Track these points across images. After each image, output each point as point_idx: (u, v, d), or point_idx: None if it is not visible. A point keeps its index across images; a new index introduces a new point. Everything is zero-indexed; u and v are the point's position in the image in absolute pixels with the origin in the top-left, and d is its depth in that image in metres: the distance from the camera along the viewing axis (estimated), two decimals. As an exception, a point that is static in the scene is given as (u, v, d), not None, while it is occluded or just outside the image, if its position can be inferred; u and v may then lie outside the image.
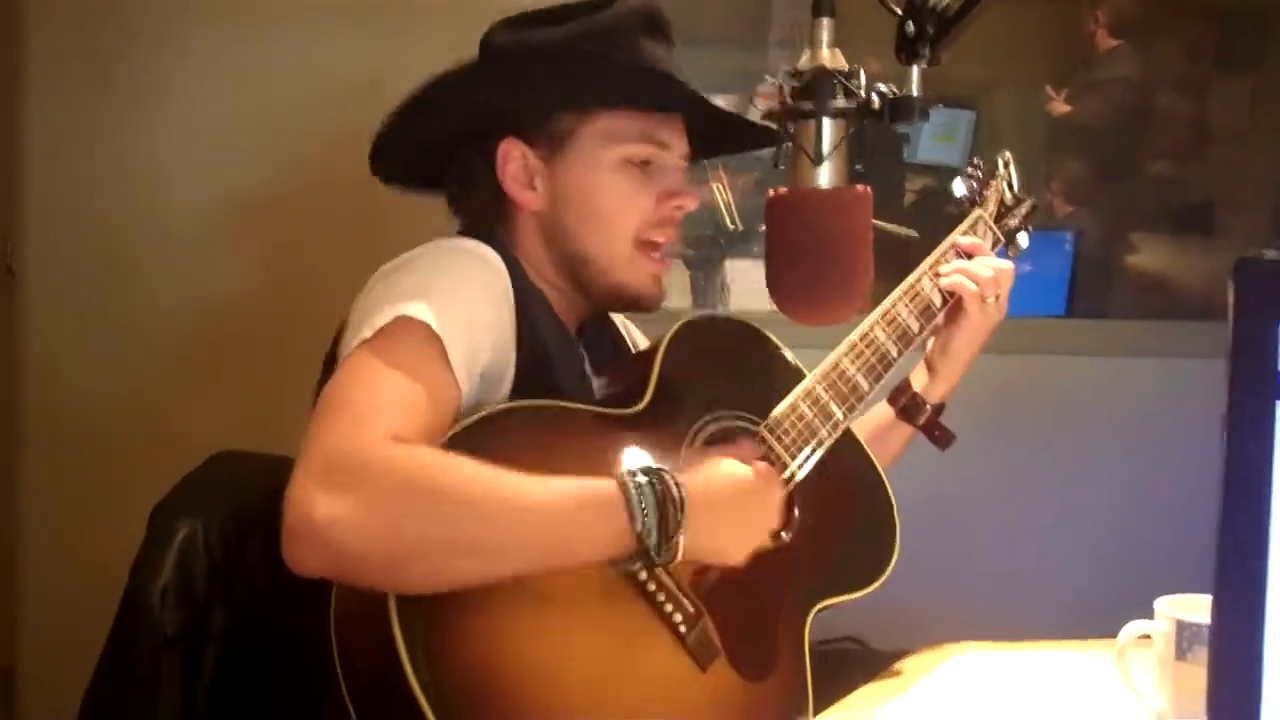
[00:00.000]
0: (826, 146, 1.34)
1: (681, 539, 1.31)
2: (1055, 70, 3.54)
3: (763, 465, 1.47)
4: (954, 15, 1.29)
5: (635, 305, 1.62)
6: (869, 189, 1.38)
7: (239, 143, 2.71)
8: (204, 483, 1.58)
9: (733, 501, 1.40)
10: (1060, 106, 3.51)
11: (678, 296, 3.13)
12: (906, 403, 1.77)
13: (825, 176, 1.36)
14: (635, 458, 1.43)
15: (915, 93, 1.32)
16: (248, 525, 1.49)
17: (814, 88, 1.34)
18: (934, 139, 3.66)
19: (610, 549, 1.30)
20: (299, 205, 2.69)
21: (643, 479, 1.30)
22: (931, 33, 1.30)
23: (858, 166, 1.39)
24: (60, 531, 2.62)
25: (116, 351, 2.70)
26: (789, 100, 1.35)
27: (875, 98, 1.33)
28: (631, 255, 1.57)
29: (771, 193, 1.38)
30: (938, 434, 1.78)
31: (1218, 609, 0.66)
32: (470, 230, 1.58)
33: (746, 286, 3.17)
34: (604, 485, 1.30)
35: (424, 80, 1.55)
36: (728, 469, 1.42)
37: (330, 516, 1.19)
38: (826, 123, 1.35)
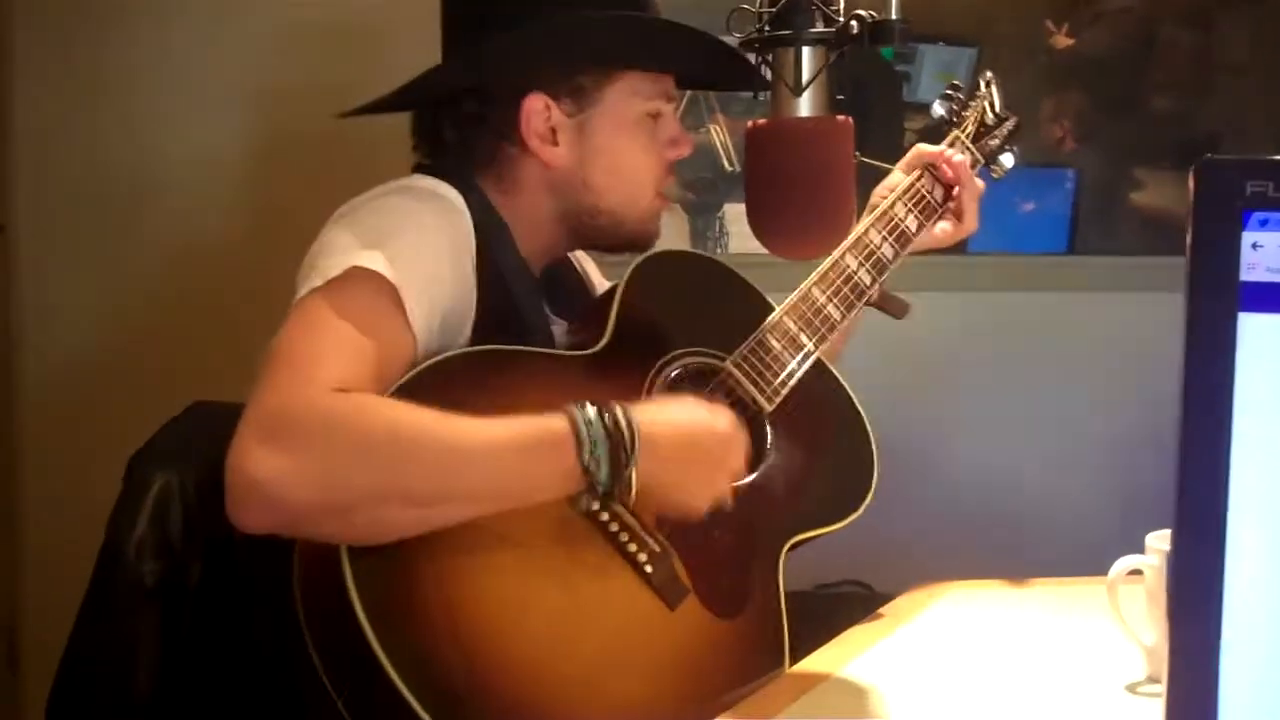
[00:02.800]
0: (806, 75, 1.31)
1: (634, 473, 1.27)
2: (1056, 4, 3.47)
3: (725, 409, 1.42)
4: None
5: (639, 247, 1.59)
6: (850, 119, 1.34)
7: (228, 94, 2.68)
8: (182, 433, 1.55)
9: (688, 440, 1.35)
10: (1062, 40, 3.45)
11: (677, 241, 3.09)
12: None
13: (805, 106, 1.32)
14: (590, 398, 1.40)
15: (894, 15, 1.28)
16: (223, 476, 1.47)
17: (791, 14, 1.30)
18: (935, 77, 3.61)
19: (560, 486, 1.26)
20: (287, 156, 2.66)
21: (591, 411, 1.27)
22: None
23: (839, 97, 1.35)
24: (59, 485, 2.61)
25: (108, 302, 2.69)
26: (766, 28, 1.31)
27: (854, 23, 1.28)
28: (647, 198, 1.56)
29: (750, 124, 1.34)
30: (889, 304, 1.72)
31: (1177, 540, 0.62)
32: (436, 168, 1.53)
33: (745, 230, 3.13)
34: (550, 421, 1.26)
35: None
36: (683, 409, 1.38)
37: (268, 473, 1.18)
38: (806, 51, 1.31)
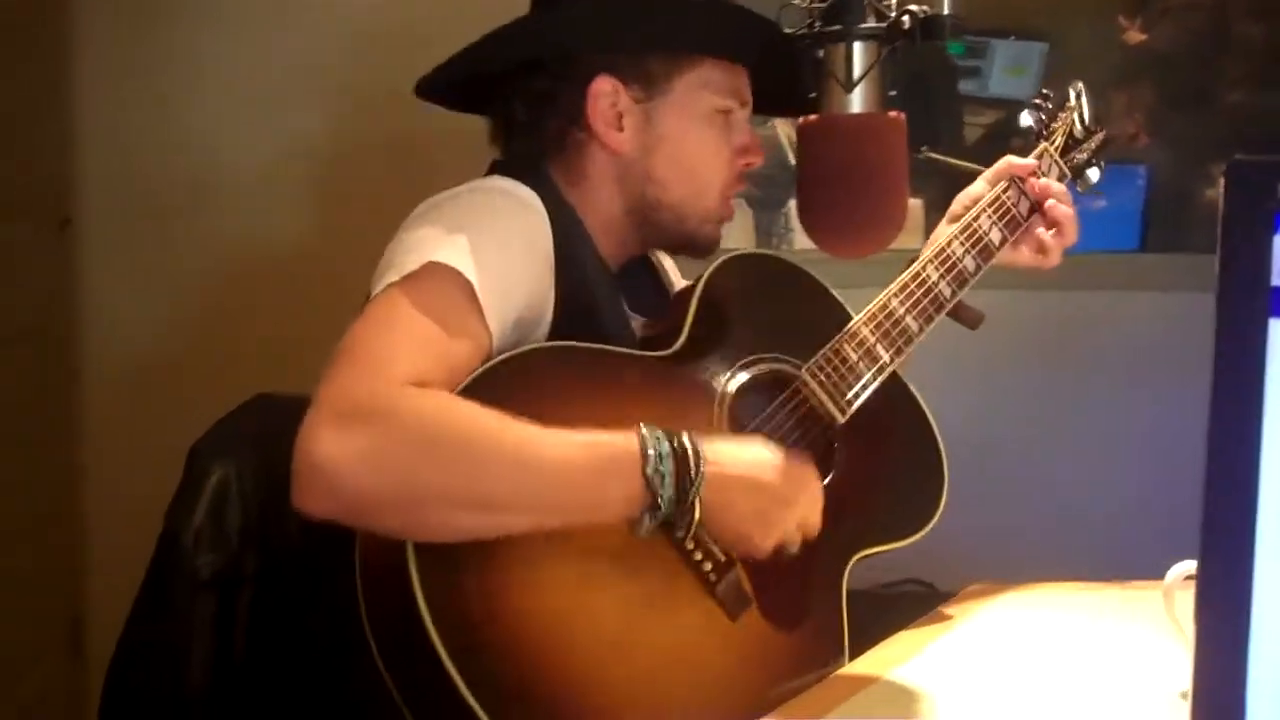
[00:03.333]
0: (857, 70, 1.30)
1: (697, 504, 1.26)
2: (1127, -1, 3.43)
3: (799, 459, 1.39)
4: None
5: (698, 252, 1.57)
6: (902, 115, 1.33)
7: (287, 94, 2.69)
8: (241, 425, 1.57)
9: (753, 482, 1.32)
10: (1135, 35, 3.40)
11: (742, 237, 3.08)
12: None
13: (857, 102, 1.31)
14: (666, 402, 1.39)
15: (946, 10, 1.26)
16: (282, 468, 1.48)
17: (842, 9, 1.29)
18: (1005, 72, 3.57)
19: (624, 507, 1.25)
20: (346, 155, 2.67)
21: (661, 435, 1.26)
22: (962, -53, 1.24)
23: (892, 93, 1.34)
24: (123, 476, 2.64)
25: (170, 296, 2.71)
26: (817, 24, 1.30)
27: (905, 19, 1.27)
28: (716, 207, 1.54)
29: (801, 120, 1.33)
30: (963, 313, 1.67)
31: (1205, 548, 0.61)
32: (512, 166, 1.51)
33: (810, 226, 3.11)
34: (622, 441, 1.25)
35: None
36: (755, 449, 1.36)
37: (337, 457, 1.17)
38: (857, 46, 1.30)
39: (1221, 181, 0.60)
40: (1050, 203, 1.63)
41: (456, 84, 1.55)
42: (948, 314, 1.64)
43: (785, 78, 1.51)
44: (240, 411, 1.59)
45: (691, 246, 1.56)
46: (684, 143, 1.51)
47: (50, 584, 2.62)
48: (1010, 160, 1.68)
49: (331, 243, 2.63)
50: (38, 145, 2.59)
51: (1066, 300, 2.82)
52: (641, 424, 1.26)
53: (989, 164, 1.73)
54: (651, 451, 1.24)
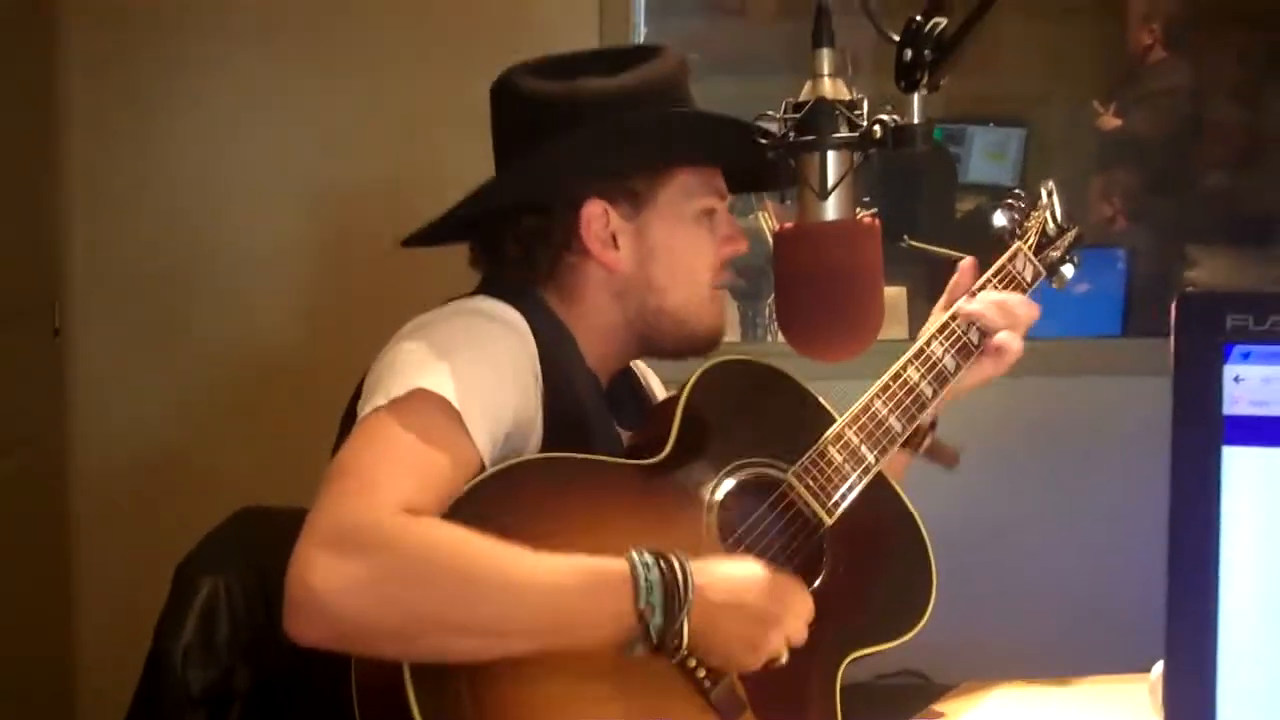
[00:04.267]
0: (831, 178, 1.31)
1: (686, 623, 1.27)
2: (1103, 85, 3.48)
3: (783, 574, 1.41)
4: (950, 40, 1.26)
5: (707, 346, 1.60)
6: (877, 221, 1.34)
7: (275, 197, 2.72)
8: (228, 539, 1.58)
9: (738, 601, 1.34)
10: (1110, 121, 3.45)
11: (727, 329, 3.10)
12: None
13: (832, 209, 1.33)
14: (653, 511, 1.40)
15: (916, 119, 1.28)
16: (271, 582, 1.48)
17: (815, 119, 1.31)
18: (986, 157, 3.63)
19: (614, 629, 1.26)
20: (339, 256, 2.69)
21: (649, 557, 1.27)
22: (929, 58, 1.26)
23: (866, 199, 1.36)
24: (112, 590, 2.64)
25: (159, 407, 2.72)
26: (791, 134, 1.32)
27: (877, 128, 1.29)
28: (707, 296, 1.57)
29: (777, 227, 1.35)
30: (940, 454, 1.70)
31: (1169, 671, 0.62)
32: (498, 287, 1.54)
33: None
34: (611, 564, 1.27)
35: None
36: (741, 567, 1.37)
37: (333, 586, 1.18)
38: (831, 155, 1.32)
39: (1172, 314, 0.62)
40: (990, 337, 1.65)
41: (444, 233, 1.59)
42: (925, 454, 1.68)
43: (759, 161, 1.55)
44: (226, 526, 1.60)
45: (695, 346, 1.59)
46: (677, 249, 1.54)
47: (40, 699, 2.61)
48: (955, 286, 1.70)
49: (318, 350, 2.65)
50: (28, 255, 2.60)
51: (1050, 386, 2.83)
52: (632, 549, 1.28)
53: (970, 249, 1.75)
54: (642, 581, 1.25)
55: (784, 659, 1.37)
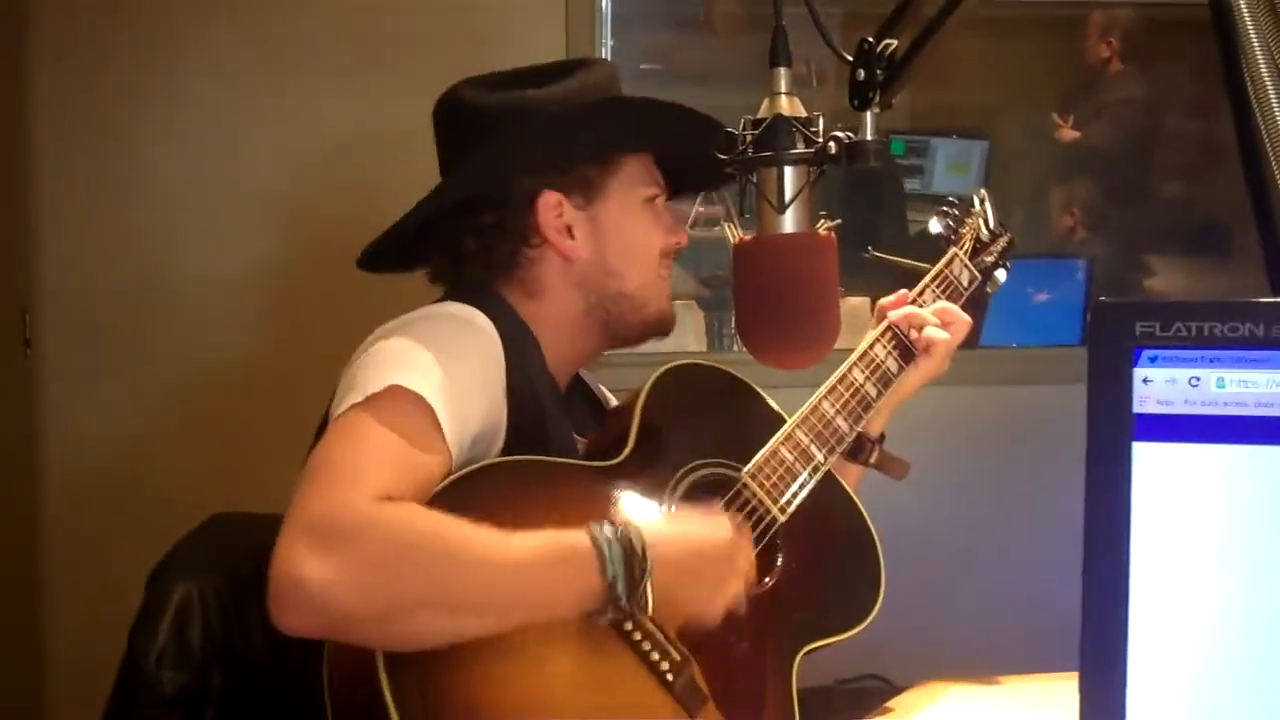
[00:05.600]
0: (788, 193, 1.35)
1: (649, 586, 1.32)
2: (1062, 98, 3.54)
3: (727, 518, 1.47)
4: (902, 59, 1.30)
5: (662, 328, 1.67)
6: (833, 234, 1.39)
7: (244, 215, 2.74)
8: (200, 544, 1.60)
9: (695, 551, 1.40)
10: (1069, 133, 3.50)
11: (693, 339, 3.14)
12: (851, 444, 1.72)
13: (789, 222, 1.37)
14: (615, 509, 1.45)
15: (869, 136, 1.33)
16: (244, 586, 1.51)
17: (773, 136, 1.35)
18: (948, 170, 3.67)
19: (581, 600, 1.31)
20: (302, 269, 2.71)
21: (609, 528, 1.32)
22: (881, 78, 1.31)
23: (822, 212, 1.40)
24: (83, 598, 2.65)
25: (129, 417, 2.74)
26: (750, 150, 1.36)
27: (832, 144, 1.33)
28: (658, 279, 1.65)
29: (737, 240, 1.39)
30: (889, 465, 1.78)
31: (1083, 669, 0.66)
32: (464, 291, 1.59)
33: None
34: (573, 537, 1.31)
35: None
36: (688, 523, 1.44)
37: (318, 577, 1.20)
38: (788, 170, 1.36)
39: (1087, 320, 0.66)
40: (920, 333, 1.72)
41: (395, 250, 1.65)
42: (874, 466, 1.75)
43: (703, 153, 1.60)
44: (198, 532, 1.62)
45: (653, 328, 1.67)
46: (629, 233, 1.63)
47: (10, 706, 2.62)
48: (880, 302, 1.79)
49: (285, 361, 2.67)
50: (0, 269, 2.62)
51: (1011, 395, 2.88)
52: (591, 523, 1.32)
53: (933, 260, 1.81)
54: (605, 552, 1.30)
55: (742, 606, 1.44)
